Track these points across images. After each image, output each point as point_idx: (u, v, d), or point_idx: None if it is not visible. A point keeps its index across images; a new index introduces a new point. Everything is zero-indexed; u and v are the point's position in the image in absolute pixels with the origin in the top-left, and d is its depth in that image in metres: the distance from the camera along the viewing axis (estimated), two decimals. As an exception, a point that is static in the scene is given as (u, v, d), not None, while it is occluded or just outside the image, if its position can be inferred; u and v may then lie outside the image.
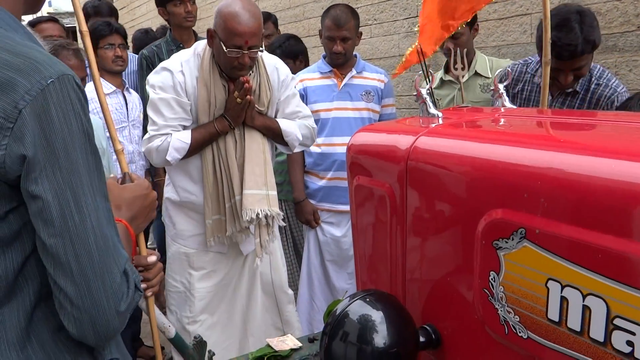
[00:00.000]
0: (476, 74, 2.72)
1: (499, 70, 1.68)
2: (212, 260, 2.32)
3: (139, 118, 3.09)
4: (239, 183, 2.15)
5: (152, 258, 1.28)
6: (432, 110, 1.45)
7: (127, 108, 2.99)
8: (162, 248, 4.10)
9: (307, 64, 3.22)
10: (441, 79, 2.82)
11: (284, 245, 3.04)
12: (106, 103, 1.41)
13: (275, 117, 2.31)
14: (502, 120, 1.30)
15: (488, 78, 2.67)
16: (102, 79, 2.78)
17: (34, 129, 0.78)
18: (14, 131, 0.78)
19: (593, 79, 2.12)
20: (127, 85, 3.09)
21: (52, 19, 3.20)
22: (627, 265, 0.78)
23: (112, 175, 1.27)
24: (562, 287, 0.86)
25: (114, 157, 3.02)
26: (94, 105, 2.49)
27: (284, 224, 2.49)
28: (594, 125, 1.17)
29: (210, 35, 2.09)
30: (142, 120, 3.06)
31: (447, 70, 2.78)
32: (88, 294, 0.82)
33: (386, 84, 2.89)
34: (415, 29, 4.04)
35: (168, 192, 2.34)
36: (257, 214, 2.12)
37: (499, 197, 0.98)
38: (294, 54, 3.16)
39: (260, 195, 2.17)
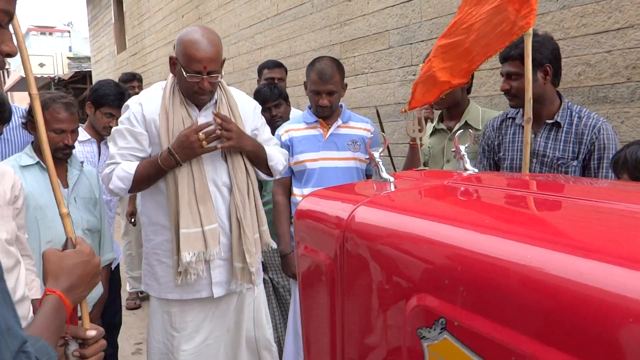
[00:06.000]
0: (466, 124, 2.65)
1: (458, 132, 1.62)
2: (195, 320, 2.21)
3: None
4: (206, 214, 2.10)
5: (92, 332, 1.17)
6: (384, 175, 1.39)
7: (99, 159, 2.98)
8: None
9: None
10: (434, 127, 2.76)
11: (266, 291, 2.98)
12: (53, 168, 1.34)
13: None
14: (447, 191, 1.23)
15: (479, 130, 2.61)
16: (80, 127, 2.78)
17: None
18: None
19: (574, 114, 2.14)
20: (106, 140, 3.06)
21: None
22: (539, 371, 0.70)
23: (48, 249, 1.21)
24: (480, 389, 0.78)
25: (112, 201, 3.01)
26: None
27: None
28: (541, 204, 1.08)
29: (172, 62, 2.11)
30: None
31: (441, 119, 2.73)
32: None
33: (373, 132, 2.84)
34: (410, 77, 4.04)
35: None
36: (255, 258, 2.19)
37: (423, 281, 0.91)
38: (285, 95, 3.23)
39: (254, 238, 2.22)
